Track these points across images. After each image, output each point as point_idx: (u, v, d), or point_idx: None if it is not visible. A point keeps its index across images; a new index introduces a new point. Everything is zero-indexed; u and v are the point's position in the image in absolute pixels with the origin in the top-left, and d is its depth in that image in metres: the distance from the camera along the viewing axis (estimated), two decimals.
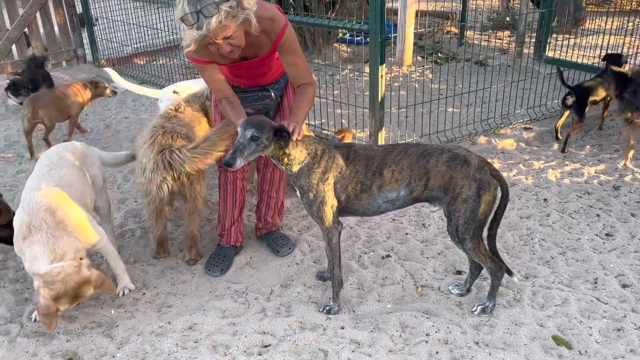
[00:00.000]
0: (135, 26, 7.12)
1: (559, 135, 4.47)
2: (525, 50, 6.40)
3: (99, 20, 7.16)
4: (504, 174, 3.92)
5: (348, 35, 7.54)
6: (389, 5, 7.57)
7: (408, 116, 4.87)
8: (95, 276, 2.49)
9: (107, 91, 5.12)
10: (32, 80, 5.61)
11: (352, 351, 2.43)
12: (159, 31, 7.08)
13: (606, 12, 8.15)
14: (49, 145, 4.59)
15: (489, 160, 2.98)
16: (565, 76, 5.18)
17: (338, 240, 2.58)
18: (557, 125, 4.49)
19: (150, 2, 7.57)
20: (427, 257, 3.09)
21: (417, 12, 6.46)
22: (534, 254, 3.06)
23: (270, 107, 2.87)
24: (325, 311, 2.68)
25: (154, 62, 6.95)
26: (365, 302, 2.75)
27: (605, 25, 6.44)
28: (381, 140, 3.93)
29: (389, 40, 6.98)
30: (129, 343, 2.54)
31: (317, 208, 2.47)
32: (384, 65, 3.70)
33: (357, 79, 6.06)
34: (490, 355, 2.36)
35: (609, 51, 5.64)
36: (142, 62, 7.08)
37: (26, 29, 6.62)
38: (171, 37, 7.21)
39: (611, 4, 9.16)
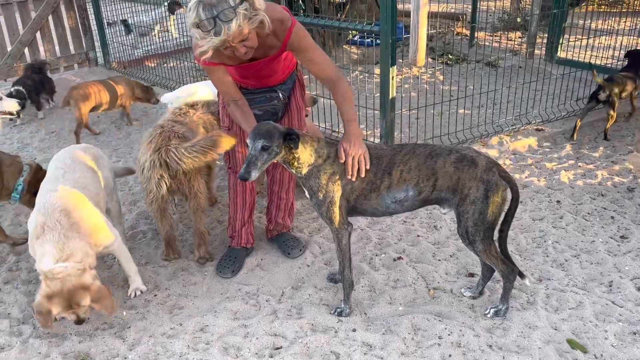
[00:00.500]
0: (145, 29, 7.17)
1: (575, 134, 4.44)
2: (537, 52, 6.36)
3: (115, 24, 7.21)
4: (516, 176, 3.89)
5: (358, 37, 7.54)
6: (399, 6, 7.55)
7: (419, 118, 4.85)
8: (95, 287, 2.46)
9: (152, 100, 5.38)
10: (29, 87, 5.53)
11: (364, 354, 2.42)
12: (169, 34, 7.13)
13: (618, 13, 8.09)
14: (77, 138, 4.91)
15: (500, 162, 2.96)
16: (578, 77, 5.16)
17: (348, 241, 2.57)
18: (578, 123, 4.43)
19: (161, 4, 7.62)
20: (439, 260, 3.07)
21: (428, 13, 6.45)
22: (547, 256, 3.03)
23: (278, 108, 2.86)
24: (336, 313, 2.67)
25: (165, 65, 6.99)
26: (376, 305, 2.74)
27: (618, 26, 6.40)
28: (392, 142, 3.91)
29: (399, 42, 6.97)
30: (140, 344, 2.54)
31: (327, 208, 2.47)
32: (395, 66, 3.69)
33: (366, 81, 6.05)
34: (503, 358, 2.34)
35: (621, 52, 5.60)
36: (152, 65, 7.12)
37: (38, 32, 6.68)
38: (181, 40, 7.26)
39: (623, 5, 9.09)
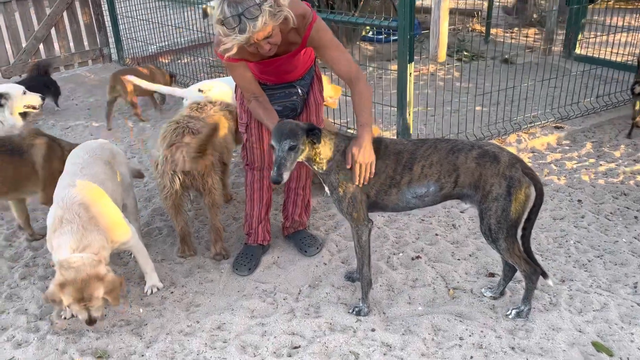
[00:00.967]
0: (159, 25, 7.16)
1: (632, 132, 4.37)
2: (555, 48, 6.26)
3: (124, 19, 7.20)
4: None
5: (371, 33, 7.48)
6: (418, 3, 7.48)
7: (435, 115, 4.79)
8: (110, 278, 2.44)
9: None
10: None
11: (384, 354, 2.38)
12: (184, 30, 7.11)
13: (637, 9, 7.94)
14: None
15: None
16: (596, 74, 5.07)
17: (368, 238, 2.53)
18: (636, 117, 4.32)
19: (175, 0, 7.61)
20: (458, 259, 3.02)
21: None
22: (569, 256, 2.97)
23: (297, 104, 2.83)
24: (354, 312, 2.63)
25: (179, 61, 6.97)
26: (395, 304, 2.70)
27: (636, 22, 6.28)
28: None
29: (415, 39, 6.90)
30: (157, 342, 2.53)
31: (348, 204, 2.43)
32: (413, 63, 3.63)
33: (381, 78, 5.99)
34: None
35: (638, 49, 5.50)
36: (166, 61, 7.11)
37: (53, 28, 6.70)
38: (195, 36, 7.24)
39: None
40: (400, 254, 3.09)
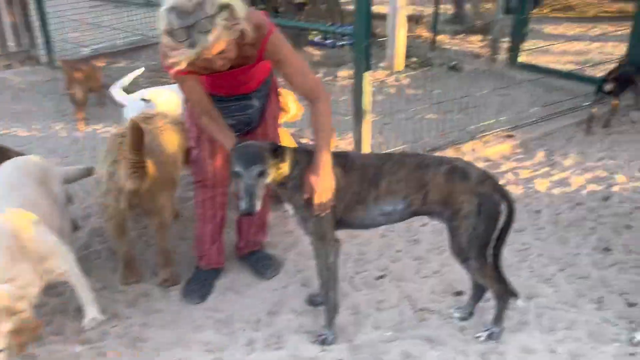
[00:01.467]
0: (93, 26, 6.73)
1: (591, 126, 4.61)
2: (499, 56, 6.35)
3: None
4: None
5: (318, 38, 7.34)
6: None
7: (387, 123, 4.69)
8: (24, 316, 2.09)
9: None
10: None
11: None
12: (120, 32, 6.71)
13: (572, 19, 8.25)
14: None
15: None
16: (543, 82, 5.16)
17: (335, 260, 2.36)
18: (593, 114, 4.59)
19: (109, 1, 7.18)
20: (423, 277, 2.90)
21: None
22: (532, 271, 2.92)
23: (252, 117, 2.62)
24: (319, 342, 2.45)
25: (115, 64, 6.55)
26: (362, 330, 2.54)
27: (572, 31, 6.49)
28: (366, 149, 3.73)
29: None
30: None
31: (314, 224, 2.25)
32: (369, 71, 3.50)
33: (330, 84, 5.85)
34: None
35: (579, 57, 5.67)
36: (102, 64, 6.66)
37: None
38: (133, 39, 6.86)
39: (573, 10, 9.30)
40: (364, 273, 2.94)
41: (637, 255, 3.02)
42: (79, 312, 2.64)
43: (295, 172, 2.22)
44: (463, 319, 2.58)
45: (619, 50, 5.39)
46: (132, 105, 3.67)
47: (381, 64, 6.27)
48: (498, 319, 2.43)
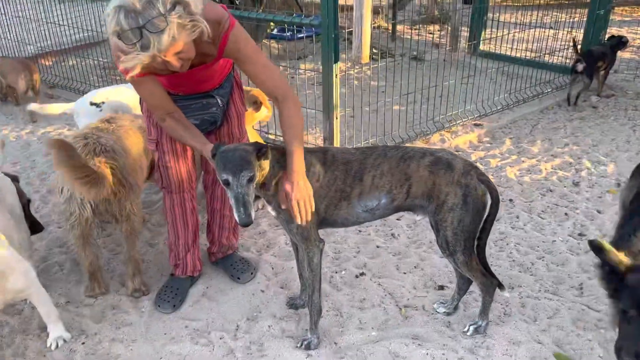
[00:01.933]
0: (37, 22, 6.35)
1: (571, 101, 4.94)
2: (460, 45, 6.36)
3: None
4: None
5: (276, 30, 7.19)
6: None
7: (353, 116, 4.61)
8: None
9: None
10: None
11: None
12: (68, 27, 6.36)
13: (527, 7, 8.36)
14: None
15: None
16: (501, 70, 5.19)
17: (319, 260, 2.26)
18: (570, 92, 4.93)
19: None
20: (404, 273, 2.84)
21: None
22: (513, 260, 2.90)
23: (217, 115, 2.46)
24: (303, 347, 2.35)
25: (63, 63, 6.21)
26: (346, 331, 2.45)
27: (527, 19, 6.56)
28: (336, 144, 3.64)
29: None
30: None
31: (297, 225, 2.14)
32: (338, 64, 3.40)
33: (294, 77, 5.73)
34: None
35: (535, 45, 5.75)
36: (49, 63, 6.32)
37: None
38: (81, 35, 6.51)
39: None
40: (343, 272, 2.85)
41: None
42: (42, 330, 2.46)
43: (275, 171, 2.10)
44: (448, 313, 2.54)
45: (572, 36, 5.47)
46: (79, 111, 3.40)
47: (343, 56, 6.18)
48: (484, 312, 2.39)
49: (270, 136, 4.11)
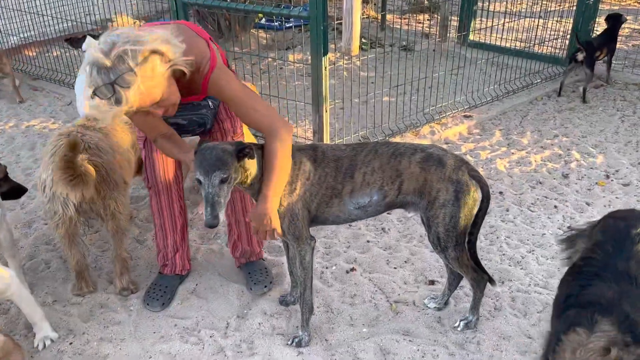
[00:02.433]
0: (19, 13, 6.21)
1: (562, 91, 4.99)
2: (449, 35, 6.33)
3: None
4: None
5: (264, 20, 7.11)
6: None
7: (343, 108, 4.58)
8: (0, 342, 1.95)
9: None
10: None
11: None
12: (52, 18, 6.24)
13: None
14: None
15: None
16: (491, 61, 5.18)
17: (311, 258, 2.24)
18: (563, 81, 4.99)
19: None
20: (395, 267, 2.83)
21: None
22: (503, 254, 2.90)
23: (207, 118, 2.36)
24: (294, 344, 2.34)
25: (48, 54, 6.10)
26: (337, 328, 2.44)
27: (514, 8, 6.55)
28: (326, 138, 3.61)
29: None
30: None
31: (288, 223, 2.12)
32: (327, 56, 3.36)
33: (282, 69, 5.67)
34: None
35: (524, 35, 5.73)
36: (32, 54, 6.20)
37: None
38: (64, 26, 6.39)
39: None
40: (333, 267, 2.84)
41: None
42: (29, 330, 2.42)
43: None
44: (439, 309, 2.53)
45: (561, 26, 5.47)
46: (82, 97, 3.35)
47: (332, 46, 6.12)
48: (474, 307, 2.40)
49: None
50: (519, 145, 4.11)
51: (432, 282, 2.72)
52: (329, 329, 2.44)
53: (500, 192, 3.48)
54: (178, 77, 1.91)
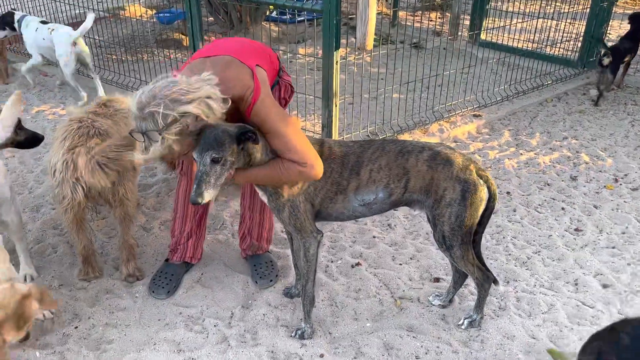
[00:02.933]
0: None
1: (599, 101, 4.80)
2: (461, 33, 6.31)
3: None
4: None
5: (276, 13, 7.10)
6: None
7: (352, 103, 4.57)
8: (33, 289, 2.00)
9: None
10: None
11: None
12: (64, 4, 6.26)
13: None
14: None
15: None
16: (502, 61, 5.16)
17: (316, 252, 2.24)
18: (600, 87, 4.78)
19: None
20: (400, 264, 2.83)
21: None
22: (509, 254, 2.90)
23: None
24: (297, 336, 2.35)
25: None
26: (341, 322, 2.45)
27: (529, 9, 6.50)
28: (335, 132, 3.60)
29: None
30: None
31: (289, 214, 2.12)
32: (339, 51, 3.35)
33: (292, 62, 5.66)
34: None
35: (536, 36, 5.68)
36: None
37: None
38: (75, 12, 6.40)
39: None
40: (339, 261, 2.84)
41: (607, 235, 3.05)
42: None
43: (269, 157, 2.07)
44: (443, 306, 2.53)
45: (574, 28, 5.43)
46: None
47: (343, 41, 6.11)
48: (479, 306, 2.39)
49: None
50: (527, 146, 4.09)
51: (437, 280, 2.72)
52: (333, 322, 2.45)
53: (508, 192, 3.47)
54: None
